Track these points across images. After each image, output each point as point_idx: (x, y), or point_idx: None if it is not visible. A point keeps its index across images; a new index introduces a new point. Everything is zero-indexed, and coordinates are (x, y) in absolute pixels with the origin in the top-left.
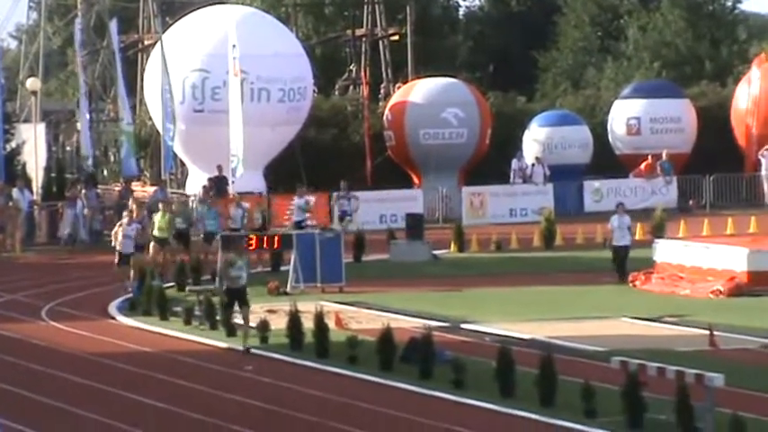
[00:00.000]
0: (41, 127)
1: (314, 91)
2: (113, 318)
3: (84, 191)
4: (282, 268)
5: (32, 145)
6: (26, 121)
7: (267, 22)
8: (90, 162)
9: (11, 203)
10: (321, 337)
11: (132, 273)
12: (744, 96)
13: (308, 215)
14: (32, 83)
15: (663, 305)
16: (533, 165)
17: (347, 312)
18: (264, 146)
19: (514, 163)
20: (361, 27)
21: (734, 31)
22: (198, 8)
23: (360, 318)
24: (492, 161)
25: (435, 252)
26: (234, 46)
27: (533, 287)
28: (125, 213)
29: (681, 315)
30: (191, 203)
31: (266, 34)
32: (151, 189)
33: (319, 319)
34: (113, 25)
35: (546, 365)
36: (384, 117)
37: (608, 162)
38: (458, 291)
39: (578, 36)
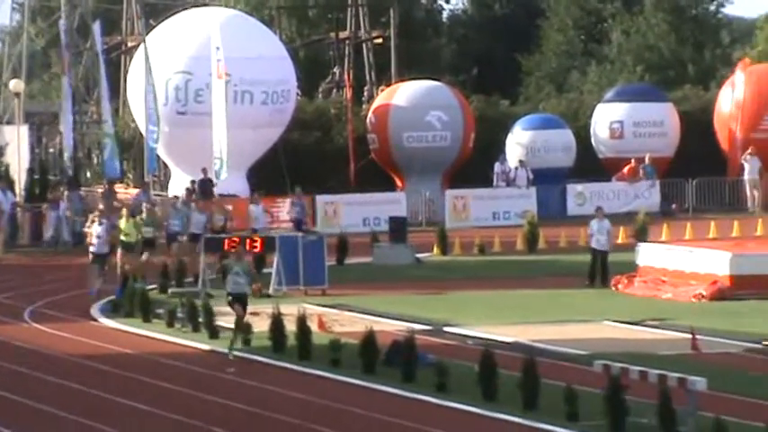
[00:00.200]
0: (24, 129)
1: (297, 94)
2: (96, 320)
3: (66, 193)
4: (265, 270)
5: (15, 147)
6: (9, 122)
7: (250, 25)
8: (70, 164)
9: None
10: (304, 339)
11: (96, 276)
12: (727, 100)
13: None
14: (15, 84)
15: (645, 309)
16: (516, 168)
17: (330, 315)
18: (247, 148)
19: (497, 166)
20: (345, 30)
21: (717, 34)
22: (181, 10)
23: (342, 320)
24: (475, 164)
25: (418, 255)
26: (218, 48)
27: (516, 290)
28: (93, 215)
29: (663, 319)
30: (159, 211)
31: (250, 37)
32: (134, 191)
33: (302, 321)
34: (97, 27)
35: (528, 369)
36: (367, 120)
37: (591, 166)
38: (441, 294)
39: (562, 40)
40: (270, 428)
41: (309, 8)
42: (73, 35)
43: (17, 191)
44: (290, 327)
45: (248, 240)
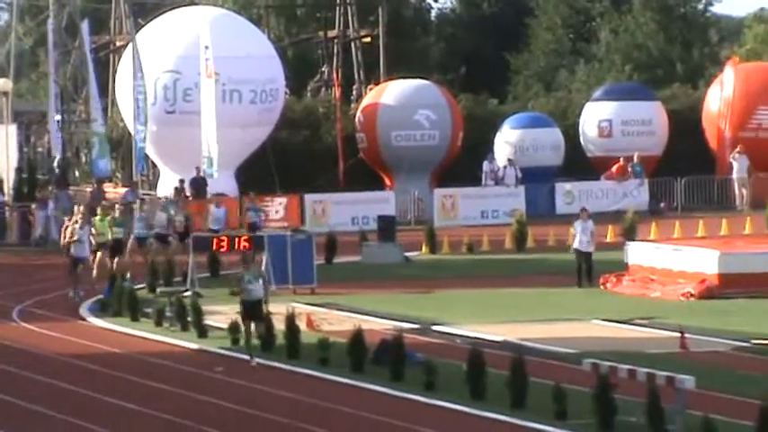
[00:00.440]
0: (13, 128)
1: (286, 92)
2: (84, 319)
3: (55, 192)
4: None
5: (3, 146)
6: None
7: (239, 24)
8: (56, 164)
9: None
10: (292, 338)
11: (77, 280)
12: (715, 99)
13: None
14: (3, 83)
15: (634, 307)
16: (505, 167)
17: (318, 314)
18: (236, 147)
19: (486, 165)
20: (334, 29)
21: (705, 33)
22: (170, 9)
23: (331, 319)
24: (464, 163)
25: (407, 254)
26: (207, 47)
27: (505, 289)
28: (74, 217)
29: (652, 317)
30: (129, 212)
31: (238, 36)
32: (123, 190)
33: (290, 320)
34: (85, 26)
35: (517, 367)
36: (356, 119)
37: (579, 164)
38: (429, 293)
39: (550, 38)
40: (259, 427)
41: (298, 7)
42: (61, 34)
43: (5, 190)
44: (279, 326)
45: (237, 240)
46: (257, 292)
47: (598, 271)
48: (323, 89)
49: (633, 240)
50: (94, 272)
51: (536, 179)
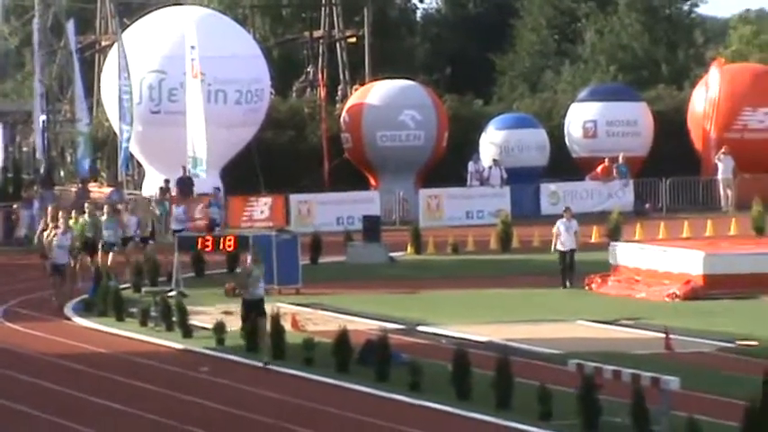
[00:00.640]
0: None
1: (271, 93)
2: (69, 319)
3: (40, 191)
4: (238, 269)
5: None
6: None
7: (224, 24)
8: (43, 163)
9: None
10: (277, 338)
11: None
12: (700, 100)
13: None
14: None
15: (619, 308)
16: (490, 167)
17: (303, 314)
18: (221, 147)
19: (471, 165)
20: (319, 29)
21: (691, 34)
22: (155, 9)
23: (316, 319)
24: (449, 164)
25: (392, 254)
26: (193, 47)
27: (490, 290)
28: (52, 223)
29: (637, 318)
30: (98, 214)
31: (223, 36)
32: (108, 190)
33: (276, 320)
34: (70, 26)
35: (502, 368)
36: (341, 119)
37: (564, 165)
38: (414, 293)
39: (535, 39)
40: (244, 427)
41: (283, 7)
42: (47, 34)
43: None
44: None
45: (222, 239)
46: (261, 291)
47: (583, 272)
48: (308, 89)
49: (618, 241)
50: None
51: (521, 180)
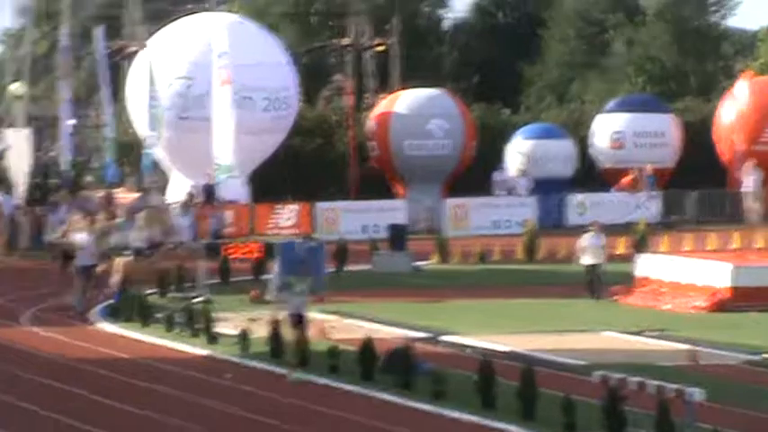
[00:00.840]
0: (26, 132)
1: (299, 100)
2: (94, 324)
3: (66, 197)
4: (264, 276)
5: (17, 150)
6: (11, 125)
7: (253, 31)
8: (68, 168)
9: None
10: (301, 346)
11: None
12: (728, 112)
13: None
14: (17, 88)
15: (644, 319)
16: (517, 177)
17: (328, 322)
18: (249, 154)
19: (498, 175)
20: (347, 37)
21: (719, 46)
22: (183, 16)
23: (341, 328)
24: (476, 173)
25: (417, 263)
26: (222, 54)
27: (515, 299)
28: (77, 223)
29: (662, 329)
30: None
31: (251, 43)
32: (134, 195)
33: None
34: (99, 32)
35: (526, 378)
36: (368, 127)
37: (591, 176)
38: (439, 302)
39: (564, 50)
40: None
41: (312, 15)
42: (75, 40)
43: (18, 194)
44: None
45: (248, 247)
46: (304, 306)
47: (608, 283)
48: (336, 97)
49: (644, 252)
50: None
51: (548, 190)
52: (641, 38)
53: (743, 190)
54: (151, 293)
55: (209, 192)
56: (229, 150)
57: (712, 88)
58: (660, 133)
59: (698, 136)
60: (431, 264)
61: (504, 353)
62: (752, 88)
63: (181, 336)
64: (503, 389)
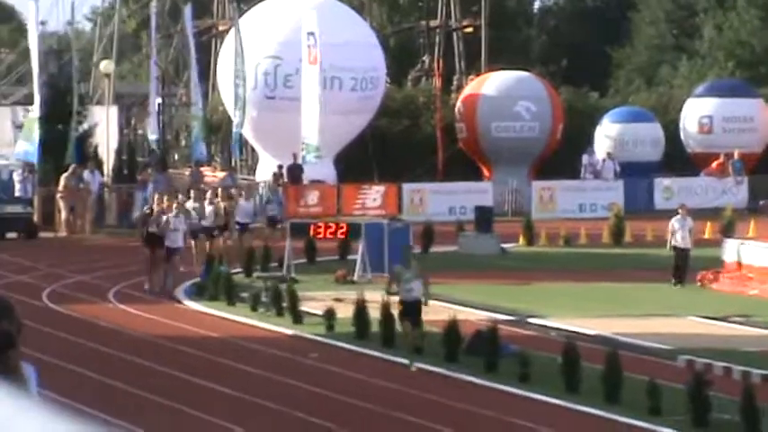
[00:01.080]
0: (114, 110)
1: (386, 81)
2: (180, 302)
3: (154, 174)
4: (350, 257)
5: (104, 127)
6: (99, 103)
7: (342, 11)
8: (155, 146)
9: (82, 185)
10: (387, 327)
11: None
12: None
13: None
14: (106, 65)
15: (730, 305)
16: (604, 160)
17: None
18: (335, 134)
19: (585, 158)
20: (436, 18)
21: None
22: None
23: (426, 309)
24: (563, 156)
25: (504, 245)
26: (311, 34)
27: (601, 283)
28: (165, 204)
29: (748, 315)
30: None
31: (340, 23)
32: (221, 174)
33: (386, 308)
34: (188, 10)
35: (611, 362)
36: (456, 109)
37: (679, 160)
38: (525, 284)
39: (653, 33)
40: (351, 414)
41: None
42: (164, 18)
43: (105, 171)
44: (374, 314)
45: (335, 226)
46: (416, 293)
47: (695, 268)
48: (423, 78)
49: (731, 238)
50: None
51: (635, 174)
52: (731, 22)
53: None
54: (237, 272)
55: (296, 172)
56: (316, 130)
57: None
58: (749, 118)
59: None
60: (517, 246)
61: (590, 336)
62: None
63: (266, 315)
64: (588, 372)
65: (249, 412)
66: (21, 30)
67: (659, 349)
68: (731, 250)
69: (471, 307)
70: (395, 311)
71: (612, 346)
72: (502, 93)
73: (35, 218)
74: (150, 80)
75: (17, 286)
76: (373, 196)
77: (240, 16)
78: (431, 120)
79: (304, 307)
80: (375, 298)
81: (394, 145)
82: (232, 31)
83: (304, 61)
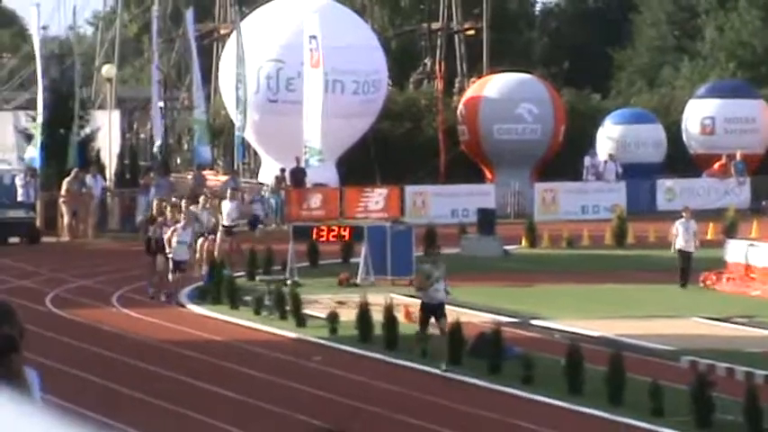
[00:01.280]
0: (116, 114)
1: (388, 84)
2: (183, 306)
3: (156, 178)
4: (353, 260)
5: (106, 132)
6: (101, 107)
7: (343, 14)
8: (157, 150)
9: (84, 189)
10: (390, 329)
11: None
12: None
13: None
14: (108, 70)
15: (733, 306)
16: (606, 162)
17: (417, 305)
18: (338, 137)
19: (587, 160)
20: (437, 21)
21: None
22: None
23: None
24: (565, 158)
25: (506, 247)
26: (314, 37)
27: (604, 285)
28: (172, 216)
29: (751, 316)
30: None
31: (342, 26)
32: (224, 178)
33: (389, 311)
34: (189, 14)
35: (615, 363)
36: (458, 111)
37: (681, 161)
38: (528, 286)
39: (654, 35)
40: (354, 417)
41: None
42: (166, 22)
43: (107, 176)
44: (377, 316)
45: (337, 229)
46: (442, 294)
47: (698, 269)
48: (425, 81)
49: (734, 238)
50: (201, 258)
51: (637, 175)
52: (732, 23)
53: None
54: (239, 276)
55: (299, 175)
56: (319, 134)
57: None
58: (751, 119)
59: None
60: (520, 248)
61: (593, 338)
62: None
63: (269, 318)
64: (591, 374)
65: (252, 415)
66: (22, 35)
67: (662, 350)
68: (734, 251)
69: (474, 309)
70: (398, 314)
71: (616, 347)
72: (504, 95)
73: (38, 222)
74: (152, 84)
75: (20, 291)
76: (376, 199)
77: (242, 20)
78: (433, 122)
79: (307, 310)
80: (378, 301)
81: (396, 148)
82: (234, 34)
83: (306, 64)
